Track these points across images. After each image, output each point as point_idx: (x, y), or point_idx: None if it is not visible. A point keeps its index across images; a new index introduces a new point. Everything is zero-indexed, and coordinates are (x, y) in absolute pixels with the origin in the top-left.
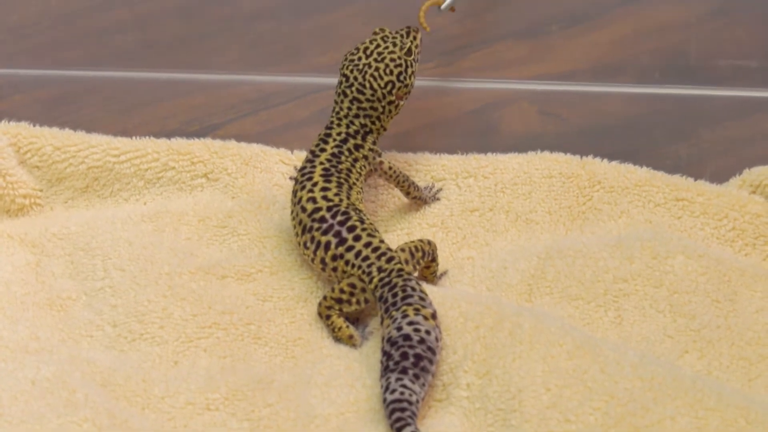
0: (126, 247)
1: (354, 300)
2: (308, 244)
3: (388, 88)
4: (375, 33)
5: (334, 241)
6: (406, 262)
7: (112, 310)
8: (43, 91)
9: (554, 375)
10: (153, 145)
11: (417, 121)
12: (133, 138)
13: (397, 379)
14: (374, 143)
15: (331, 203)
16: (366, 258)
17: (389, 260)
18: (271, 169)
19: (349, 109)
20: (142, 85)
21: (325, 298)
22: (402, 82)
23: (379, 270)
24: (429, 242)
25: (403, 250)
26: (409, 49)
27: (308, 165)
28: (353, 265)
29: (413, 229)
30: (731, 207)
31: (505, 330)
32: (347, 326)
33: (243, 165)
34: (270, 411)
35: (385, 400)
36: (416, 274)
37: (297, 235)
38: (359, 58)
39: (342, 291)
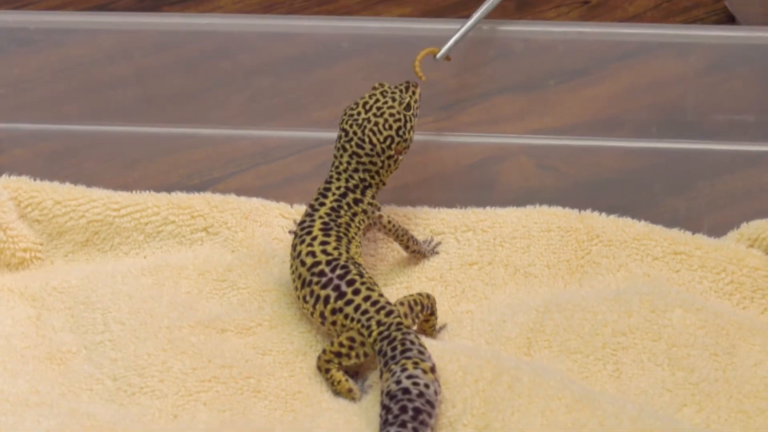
0: (126, 301)
1: (353, 354)
2: (307, 298)
3: (387, 142)
4: (374, 88)
5: (333, 294)
6: (405, 315)
7: (112, 364)
8: (44, 145)
9: (553, 428)
10: (153, 200)
11: (416, 175)
12: (134, 192)
13: None
14: (373, 197)
15: (330, 257)
16: (365, 312)
17: (388, 314)
18: (271, 223)
19: (349, 163)
20: (142, 140)
21: (324, 351)
22: (401, 136)
23: (378, 324)
24: (428, 296)
25: (402, 303)
26: (408, 104)
27: (307, 219)
28: (352, 319)
29: (412, 283)
30: (729, 260)
31: (504, 383)
32: (346, 380)
33: (243, 219)
34: None
35: None
36: (415, 327)
37: (296, 288)
38: (358, 113)
39: (341, 345)
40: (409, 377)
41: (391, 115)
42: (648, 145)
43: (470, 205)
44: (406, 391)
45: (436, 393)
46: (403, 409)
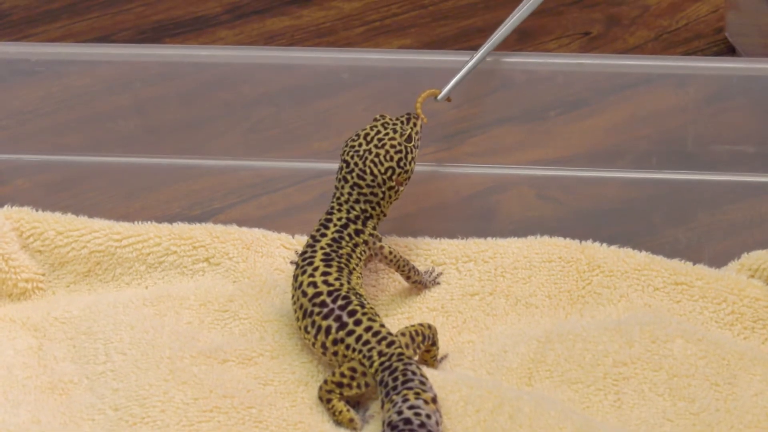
0: (128, 331)
1: (354, 384)
2: (309, 329)
3: (389, 174)
4: (375, 119)
5: (334, 325)
6: (407, 346)
7: (114, 394)
8: (46, 175)
9: None
10: (155, 230)
11: (416, 205)
12: (135, 223)
13: None
14: (374, 228)
15: (331, 287)
16: (366, 342)
17: (390, 344)
18: (273, 254)
19: (350, 194)
20: (143, 170)
21: (325, 382)
22: (402, 168)
23: (380, 354)
24: (429, 326)
25: (403, 334)
26: (410, 136)
27: (309, 250)
28: (354, 350)
29: (413, 313)
30: (730, 291)
31: (505, 414)
32: (348, 410)
33: (244, 249)
34: None
35: None
36: (417, 357)
37: (298, 319)
38: (360, 144)
39: (342, 375)
40: (410, 407)
41: (392, 146)
42: (648, 176)
43: (471, 235)
44: (407, 421)
45: (437, 423)
46: None
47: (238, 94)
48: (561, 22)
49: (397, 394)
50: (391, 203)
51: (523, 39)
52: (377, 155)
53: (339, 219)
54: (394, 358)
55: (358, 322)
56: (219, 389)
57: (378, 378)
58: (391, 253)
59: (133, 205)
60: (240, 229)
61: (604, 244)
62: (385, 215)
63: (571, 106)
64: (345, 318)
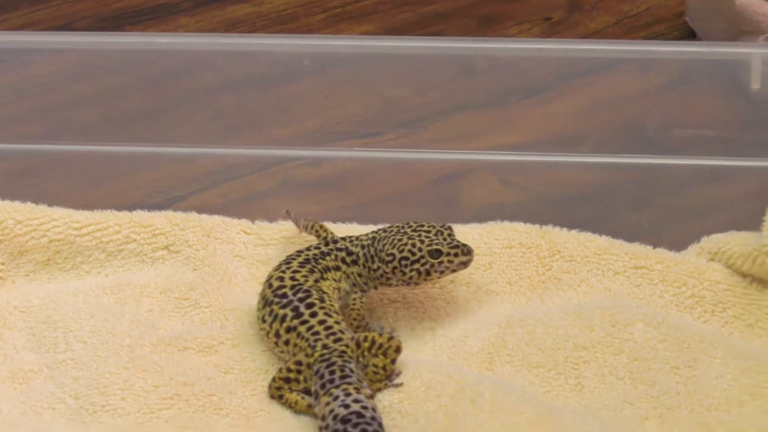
0: (88, 320)
1: (302, 378)
2: (266, 317)
3: (389, 258)
4: (431, 226)
5: (290, 314)
6: (358, 346)
7: (74, 383)
8: (5, 164)
9: None
10: (114, 218)
11: (377, 192)
12: (95, 211)
13: None
14: (365, 285)
15: (295, 282)
16: (316, 333)
17: (336, 340)
18: (233, 240)
19: (364, 252)
20: (104, 159)
21: (273, 379)
22: (401, 266)
23: (324, 347)
24: (390, 338)
25: (353, 339)
26: (437, 251)
27: (295, 254)
28: (303, 338)
29: (374, 305)
30: (690, 274)
31: (466, 398)
32: (302, 398)
33: (204, 237)
34: None
35: None
36: (365, 365)
37: (258, 309)
38: (401, 229)
39: (289, 370)
40: (356, 401)
41: (413, 245)
42: (610, 161)
43: (432, 221)
44: (359, 414)
45: (381, 420)
46: None
47: (200, 82)
48: (522, 7)
49: (337, 387)
50: (378, 284)
51: (484, 25)
52: (396, 241)
53: (340, 248)
54: (335, 353)
55: (313, 315)
56: (179, 377)
57: (315, 368)
58: (357, 303)
59: (94, 194)
60: (200, 216)
61: (565, 229)
62: (373, 288)
63: (533, 91)
64: (302, 309)
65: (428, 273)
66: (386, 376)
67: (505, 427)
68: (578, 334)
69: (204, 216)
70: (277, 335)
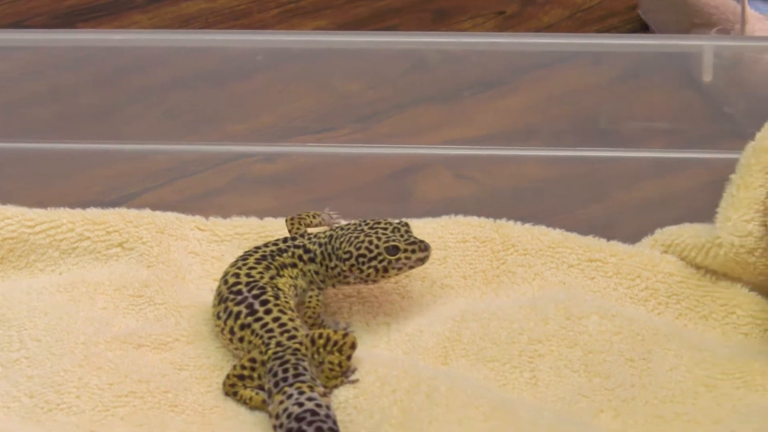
0: (42, 318)
1: (256, 375)
2: (221, 314)
3: (346, 256)
4: (388, 223)
5: (245, 311)
6: (306, 347)
7: (29, 381)
8: None
9: None
10: (68, 216)
11: (331, 187)
12: (48, 209)
13: None
14: (322, 282)
15: (251, 279)
16: (270, 330)
17: (291, 338)
18: (187, 237)
19: (321, 250)
20: (57, 156)
21: (228, 376)
22: (358, 263)
23: (278, 344)
24: (345, 335)
25: (307, 336)
26: (394, 248)
27: (252, 250)
28: (257, 335)
29: (329, 300)
30: (644, 267)
31: (421, 393)
32: (257, 393)
33: (158, 234)
34: None
35: None
36: (319, 362)
37: (214, 305)
38: (357, 227)
39: (243, 367)
40: (310, 399)
41: (369, 242)
42: (564, 154)
43: (386, 216)
44: (314, 413)
45: (335, 417)
46: (320, 430)
47: (153, 78)
48: (476, 1)
49: (290, 386)
50: (336, 282)
51: (437, 18)
52: (353, 239)
53: (297, 245)
54: (289, 351)
55: (268, 312)
56: (134, 374)
57: (268, 366)
58: (315, 305)
59: (48, 192)
60: (153, 213)
61: (518, 223)
62: (331, 285)
63: (487, 85)
64: (256, 306)
65: (386, 270)
66: (342, 373)
67: (461, 422)
68: (533, 328)
69: (158, 213)
70: (232, 332)
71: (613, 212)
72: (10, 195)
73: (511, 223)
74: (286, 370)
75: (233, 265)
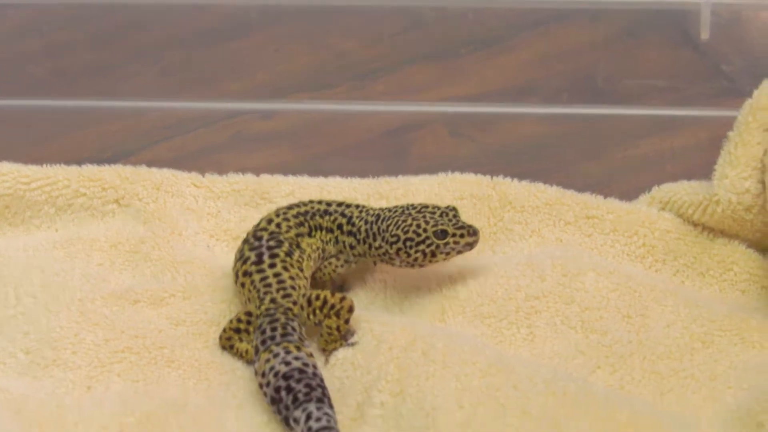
0: (38, 274)
1: (251, 328)
2: (237, 254)
3: (393, 239)
4: (436, 207)
5: (253, 258)
6: (302, 307)
7: (25, 337)
8: None
9: (467, 393)
10: (64, 172)
11: (328, 145)
12: (44, 165)
13: (318, 408)
14: (347, 258)
15: (277, 230)
16: (268, 285)
17: (285, 296)
18: (183, 193)
19: (365, 226)
20: (54, 114)
21: (224, 330)
22: (406, 247)
23: (272, 301)
24: (342, 298)
25: (305, 296)
26: (443, 232)
27: (300, 203)
28: (255, 288)
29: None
30: (641, 224)
31: (418, 350)
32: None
33: (154, 190)
34: None
35: (310, 428)
36: (312, 321)
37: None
38: (404, 210)
39: (239, 320)
40: (296, 359)
41: (418, 226)
42: (560, 111)
43: (383, 174)
44: (301, 371)
45: (322, 376)
46: (310, 386)
47: (150, 36)
48: None
49: (278, 345)
50: (379, 261)
51: None
52: (400, 222)
53: (343, 214)
54: (281, 310)
55: (272, 265)
56: (130, 330)
57: (258, 322)
58: (330, 268)
59: (44, 149)
60: (149, 170)
61: (516, 180)
62: (372, 263)
63: (484, 43)
64: (265, 257)
65: (433, 254)
66: (341, 336)
67: (458, 378)
68: (530, 284)
69: (154, 170)
70: (236, 274)
71: (611, 169)
72: (5, 152)
73: (508, 180)
74: (274, 329)
75: (275, 211)
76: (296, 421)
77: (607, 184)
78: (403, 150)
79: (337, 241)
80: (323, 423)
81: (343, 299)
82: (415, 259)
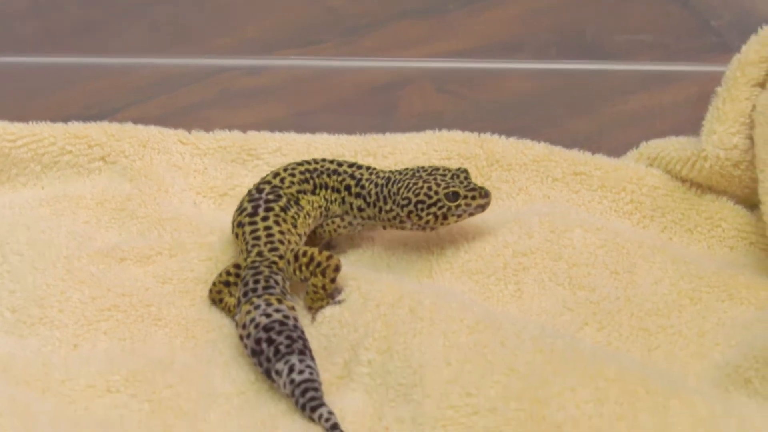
0: (24, 232)
1: (240, 281)
2: (238, 204)
3: (404, 202)
4: (447, 170)
5: (249, 209)
6: (288, 262)
7: (11, 296)
8: None
9: (455, 350)
10: (49, 130)
11: (316, 101)
12: (30, 123)
13: (301, 360)
14: (351, 220)
15: (279, 185)
16: (257, 238)
17: (272, 250)
18: (170, 150)
19: (376, 188)
20: (40, 71)
21: (214, 284)
22: (417, 209)
23: (258, 254)
24: (329, 256)
25: (293, 251)
26: (455, 194)
27: (311, 161)
28: (245, 240)
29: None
30: (629, 180)
31: (405, 307)
32: None
33: (140, 147)
34: (171, 392)
35: (293, 381)
36: (298, 277)
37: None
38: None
39: (228, 273)
40: (277, 311)
41: (429, 188)
42: (548, 67)
43: (371, 131)
44: (282, 323)
45: (302, 328)
46: (291, 338)
47: None
48: None
49: (259, 297)
50: (388, 225)
51: None
52: (411, 184)
53: (353, 176)
54: (265, 263)
55: (265, 218)
56: (117, 288)
57: (243, 275)
58: (330, 227)
59: (30, 106)
60: (136, 127)
61: (503, 137)
62: (381, 227)
63: None
64: (260, 209)
65: (445, 217)
66: (328, 294)
67: (445, 335)
68: (517, 241)
69: (140, 126)
70: (233, 224)
71: (599, 126)
72: None
73: (495, 137)
74: (257, 281)
75: (284, 165)
76: (278, 373)
77: (595, 139)
78: (390, 106)
79: (343, 202)
80: (306, 375)
81: (330, 257)
82: (427, 222)
